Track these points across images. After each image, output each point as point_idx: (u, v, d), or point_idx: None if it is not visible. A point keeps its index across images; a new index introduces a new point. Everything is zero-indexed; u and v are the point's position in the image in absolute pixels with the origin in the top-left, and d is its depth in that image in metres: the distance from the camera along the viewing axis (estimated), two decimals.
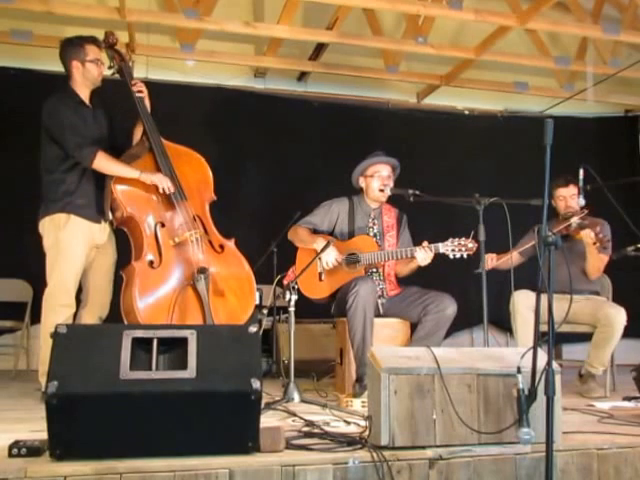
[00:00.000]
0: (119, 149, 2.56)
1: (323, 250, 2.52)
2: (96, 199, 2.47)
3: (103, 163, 2.40)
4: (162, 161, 2.51)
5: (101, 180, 2.47)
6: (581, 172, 2.75)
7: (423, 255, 2.54)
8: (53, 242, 2.41)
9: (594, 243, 2.65)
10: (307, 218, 2.81)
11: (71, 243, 2.40)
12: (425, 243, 2.57)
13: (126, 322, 2.32)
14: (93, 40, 2.52)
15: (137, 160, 2.49)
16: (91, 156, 2.37)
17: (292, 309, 2.34)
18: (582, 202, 2.76)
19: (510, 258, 2.65)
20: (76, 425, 1.37)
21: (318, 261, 2.64)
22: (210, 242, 2.51)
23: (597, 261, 2.77)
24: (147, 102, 2.61)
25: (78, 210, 2.42)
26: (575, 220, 2.73)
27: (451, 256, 2.55)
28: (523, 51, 4.28)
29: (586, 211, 2.78)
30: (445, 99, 4.63)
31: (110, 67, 2.65)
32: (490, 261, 2.71)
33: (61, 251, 2.39)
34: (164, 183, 2.42)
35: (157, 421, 1.41)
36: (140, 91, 2.59)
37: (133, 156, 2.51)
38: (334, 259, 2.64)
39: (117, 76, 2.66)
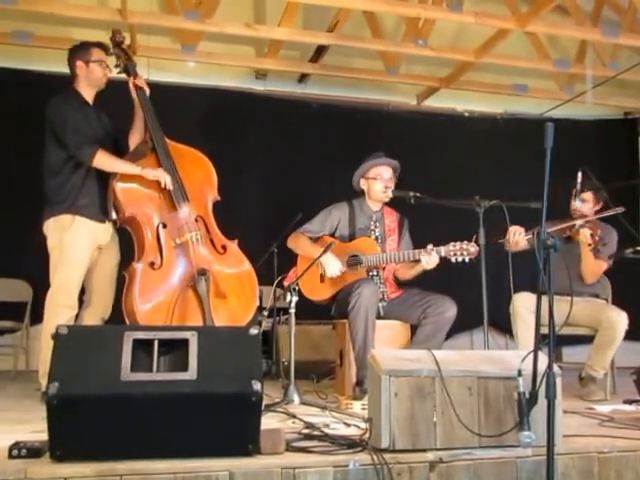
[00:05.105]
0: (121, 149, 2.57)
1: (324, 252, 2.52)
2: (99, 198, 2.48)
3: (103, 160, 2.40)
4: (165, 161, 2.51)
5: (105, 179, 2.48)
6: (579, 175, 2.75)
7: (427, 259, 2.54)
8: (57, 243, 2.41)
9: (589, 244, 2.65)
10: (307, 225, 2.80)
11: (75, 244, 2.41)
12: (430, 246, 2.57)
13: (128, 323, 2.32)
14: (99, 44, 2.56)
15: (140, 159, 2.50)
16: (91, 154, 2.38)
17: (292, 310, 2.34)
18: (577, 205, 2.77)
19: (517, 240, 2.61)
20: (77, 426, 1.37)
21: (319, 263, 2.64)
22: (212, 243, 2.51)
23: (592, 265, 2.75)
24: (147, 94, 2.62)
25: (82, 210, 2.43)
26: (579, 222, 2.72)
27: (453, 260, 2.55)
28: (523, 54, 4.29)
29: (593, 217, 2.77)
30: (445, 101, 4.64)
31: (116, 66, 2.67)
32: (517, 234, 2.61)
33: (65, 252, 2.40)
34: (166, 178, 2.43)
35: (158, 422, 1.41)
36: (142, 85, 2.59)
37: (136, 155, 2.52)
38: (338, 270, 2.63)
39: (123, 75, 2.67)
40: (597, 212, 2.82)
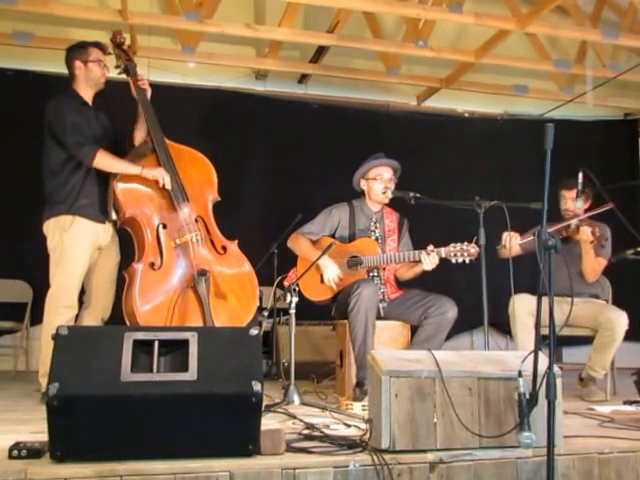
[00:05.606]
0: (121, 149, 2.57)
1: (324, 252, 2.52)
2: (100, 199, 2.48)
3: (104, 161, 2.40)
4: (165, 161, 2.51)
5: (105, 180, 2.48)
6: (580, 176, 2.75)
7: (428, 259, 2.54)
8: (57, 243, 2.42)
9: (592, 242, 2.65)
10: (307, 226, 2.80)
11: (75, 245, 2.41)
12: (430, 247, 2.57)
13: (128, 323, 2.32)
14: (97, 44, 2.56)
15: (141, 160, 2.50)
16: (92, 154, 2.38)
17: (293, 311, 2.34)
18: (579, 205, 2.77)
19: (510, 245, 2.62)
20: (77, 427, 1.37)
21: (319, 265, 2.64)
22: (212, 243, 2.51)
23: (594, 262, 2.76)
24: (148, 94, 2.61)
25: (82, 211, 2.43)
26: (575, 222, 2.73)
27: (453, 261, 2.55)
28: (523, 54, 4.30)
29: (585, 214, 2.78)
30: (445, 102, 4.64)
31: (117, 67, 2.68)
32: (513, 239, 2.63)
33: (65, 252, 2.40)
34: (166, 178, 2.43)
35: (158, 423, 1.41)
36: (144, 85, 2.59)
37: (136, 156, 2.52)
38: (336, 276, 2.64)
39: (123, 75, 2.67)
40: (587, 210, 2.82)
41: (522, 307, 2.66)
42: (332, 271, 2.64)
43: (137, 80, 2.60)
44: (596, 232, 2.64)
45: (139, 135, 2.62)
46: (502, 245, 2.66)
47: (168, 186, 2.43)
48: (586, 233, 2.65)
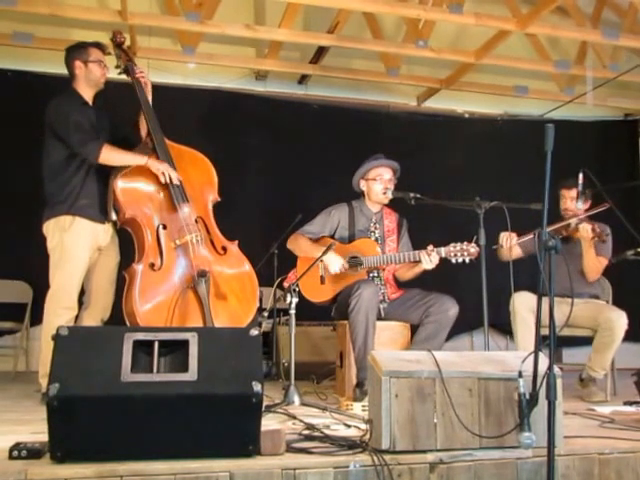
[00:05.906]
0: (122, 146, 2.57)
1: (325, 252, 2.52)
2: (100, 199, 2.48)
3: (109, 155, 2.40)
4: (165, 162, 2.51)
5: (105, 180, 2.48)
6: (580, 176, 2.76)
7: (428, 259, 2.54)
8: (57, 244, 2.42)
9: (592, 237, 2.65)
10: (307, 227, 2.80)
11: (75, 245, 2.41)
12: (430, 247, 2.58)
13: (128, 324, 2.33)
14: (96, 44, 2.56)
15: None
16: (97, 150, 2.38)
17: (293, 312, 2.34)
18: (580, 206, 2.77)
19: (510, 246, 2.62)
20: (77, 427, 1.37)
21: (320, 264, 2.64)
22: (212, 244, 2.51)
23: (595, 261, 2.76)
24: (149, 90, 2.61)
25: (82, 211, 2.43)
26: (574, 220, 2.74)
27: (453, 261, 2.56)
28: (523, 55, 4.30)
29: (583, 214, 2.78)
30: (445, 102, 4.65)
31: (117, 67, 2.68)
32: (510, 239, 2.63)
33: (65, 253, 2.40)
34: (172, 174, 2.42)
35: (158, 423, 1.41)
36: (144, 79, 2.58)
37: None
38: (340, 265, 2.64)
39: (123, 76, 2.67)
40: (586, 210, 2.83)
41: (523, 304, 2.66)
42: (337, 263, 2.63)
43: (136, 72, 2.59)
44: (596, 228, 2.64)
45: (143, 128, 2.61)
46: (500, 245, 2.66)
47: (175, 181, 2.43)
48: (586, 230, 2.66)
